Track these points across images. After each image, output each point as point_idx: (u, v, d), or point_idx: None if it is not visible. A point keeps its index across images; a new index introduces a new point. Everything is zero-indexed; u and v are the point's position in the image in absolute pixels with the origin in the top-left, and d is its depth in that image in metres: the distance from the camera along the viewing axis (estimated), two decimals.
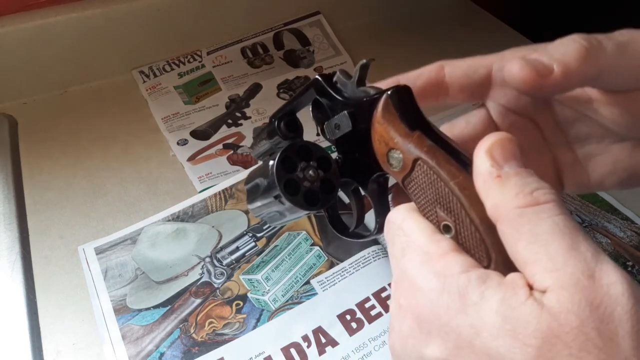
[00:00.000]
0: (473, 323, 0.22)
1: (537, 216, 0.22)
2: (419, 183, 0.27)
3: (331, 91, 0.33)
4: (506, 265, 0.24)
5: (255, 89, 0.85)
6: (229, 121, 0.79)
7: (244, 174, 0.69)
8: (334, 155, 0.35)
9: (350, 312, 0.53)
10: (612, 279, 0.21)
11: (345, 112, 0.32)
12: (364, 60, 0.32)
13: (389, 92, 0.29)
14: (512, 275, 0.23)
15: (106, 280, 0.58)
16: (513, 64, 0.27)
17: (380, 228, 0.32)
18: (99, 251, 0.61)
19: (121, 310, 0.55)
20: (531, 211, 0.23)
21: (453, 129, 0.34)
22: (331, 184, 0.34)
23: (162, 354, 0.51)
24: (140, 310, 0.55)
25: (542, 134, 0.34)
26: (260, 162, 0.39)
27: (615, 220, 0.61)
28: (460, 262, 0.24)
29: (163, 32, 0.86)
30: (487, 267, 0.25)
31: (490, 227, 0.24)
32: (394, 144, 0.28)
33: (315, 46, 0.91)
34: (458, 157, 0.26)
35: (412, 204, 0.28)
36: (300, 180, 0.33)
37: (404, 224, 0.27)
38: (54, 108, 0.81)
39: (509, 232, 0.23)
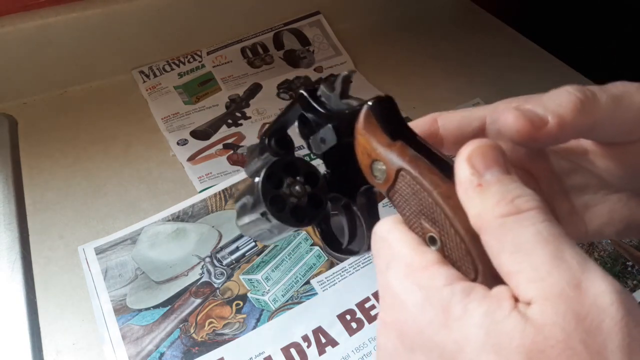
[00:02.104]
0: (456, 338, 0.21)
1: (518, 225, 0.22)
2: (402, 194, 0.27)
3: (316, 105, 0.33)
4: (494, 277, 0.23)
5: (255, 89, 0.85)
6: (229, 121, 0.79)
7: (243, 174, 0.69)
8: (323, 170, 0.34)
9: (350, 312, 0.53)
10: (599, 288, 0.20)
11: (330, 125, 0.31)
12: (345, 72, 0.32)
13: (369, 103, 0.29)
14: (497, 288, 0.22)
15: (106, 280, 0.58)
16: (508, 115, 0.27)
17: (370, 243, 0.32)
18: (99, 251, 0.61)
19: (121, 310, 0.55)
20: (513, 220, 0.22)
21: None
22: (319, 199, 0.33)
23: (162, 354, 0.51)
24: (140, 310, 0.55)
25: (538, 184, 0.33)
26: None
27: None
28: (444, 274, 0.23)
29: (163, 32, 0.86)
30: (474, 279, 0.24)
31: (476, 238, 0.23)
32: (376, 155, 0.28)
33: (315, 46, 0.91)
34: (442, 166, 0.26)
35: (398, 215, 0.28)
36: (286, 196, 0.33)
37: (389, 236, 0.27)
38: (54, 108, 0.81)
39: (492, 243, 0.22)
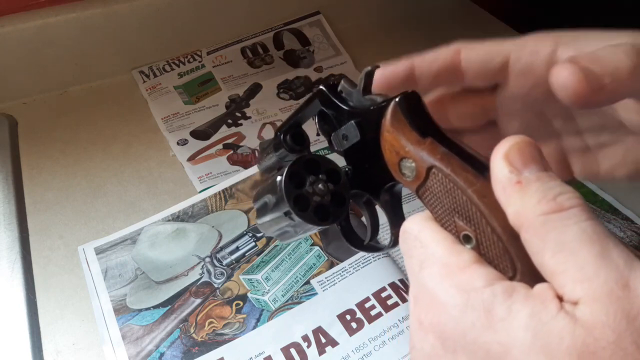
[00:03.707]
0: (501, 340, 0.21)
1: (562, 223, 0.21)
2: (434, 192, 0.26)
3: (336, 101, 0.32)
4: (533, 276, 0.22)
5: (255, 89, 0.85)
6: (229, 121, 0.79)
7: (244, 174, 0.69)
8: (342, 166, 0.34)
9: (350, 312, 0.53)
10: None
11: (353, 122, 0.31)
12: (369, 68, 0.31)
13: (397, 99, 0.28)
14: (540, 287, 0.22)
15: (106, 280, 0.58)
16: (563, 70, 0.25)
17: (396, 240, 0.31)
18: (99, 251, 0.61)
19: (121, 310, 0.55)
20: (556, 218, 0.21)
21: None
22: (342, 196, 0.33)
23: (162, 354, 0.51)
24: (140, 310, 0.55)
25: (550, 124, 0.32)
26: (265, 176, 0.38)
27: (615, 220, 0.61)
28: (483, 274, 0.23)
29: (163, 32, 0.85)
30: (512, 278, 0.23)
31: (514, 236, 0.23)
32: (405, 153, 0.27)
33: (315, 46, 0.91)
34: (474, 163, 0.25)
35: (428, 212, 0.27)
36: (309, 195, 0.32)
37: (421, 235, 0.26)
38: (54, 108, 0.81)
39: (534, 242, 0.22)
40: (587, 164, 0.32)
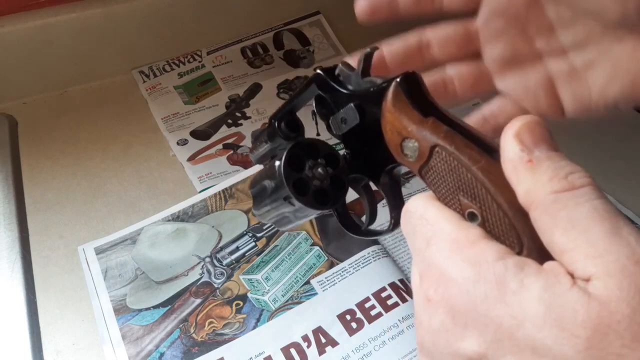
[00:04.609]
0: (514, 313, 0.21)
1: (573, 201, 0.21)
2: (438, 171, 0.26)
3: (334, 85, 0.32)
4: (539, 252, 0.22)
5: (255, 89, 0.85)
6: (229, 121, 0.79)
7: (244, 174, 0.69)
8: (341, 151, 0.34)
9: (350, 312, 0.53)
10: None
11: (352, 104, 0.30)
12: (367, 50, 0.31)
13: (397, 80, 0.28)
14: (550, 264, 0.21)
15: (106, 280, 0.58)
16: None
17: (395, 223, 0.31)
18: (99, 251, 0.61)
19: (121, 310, 0.55)
20: (567, 196, 0.21)
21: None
22: (341, 181, 0.33)
23: (162, 354, 0.51)
24: (140, 310, 0.55)
25: (533, 42, 0.32)
26: (261, 166, 0.38)
27: None
28: (494, 249, 0.23)
29: (163, 32, 0.85)
30: (519, 254, 0.23)
31: (520, 212, 0.23)
32: (407, 133, 0.27)
33: (315, 46, 0.91)
34: (478, 141, 0.25)
35: (430, 192, 0.27)
36: (309, 179, 0.32)
37: (427, 213, 0.26)
38: (54, 108, 0.81)
39: (544, 219, 0.22)
40: (578, 90, 0.31)
